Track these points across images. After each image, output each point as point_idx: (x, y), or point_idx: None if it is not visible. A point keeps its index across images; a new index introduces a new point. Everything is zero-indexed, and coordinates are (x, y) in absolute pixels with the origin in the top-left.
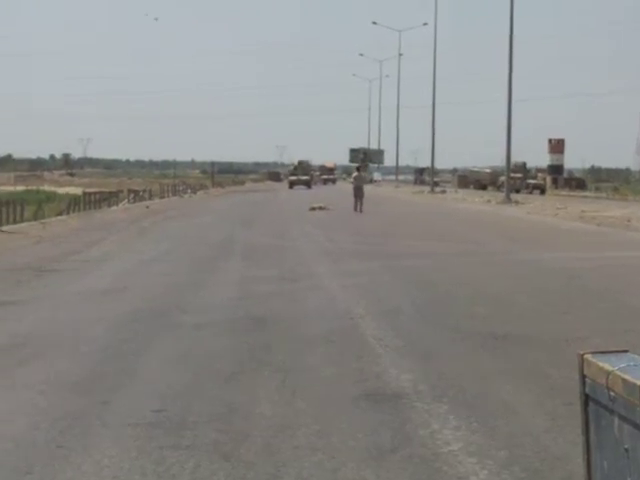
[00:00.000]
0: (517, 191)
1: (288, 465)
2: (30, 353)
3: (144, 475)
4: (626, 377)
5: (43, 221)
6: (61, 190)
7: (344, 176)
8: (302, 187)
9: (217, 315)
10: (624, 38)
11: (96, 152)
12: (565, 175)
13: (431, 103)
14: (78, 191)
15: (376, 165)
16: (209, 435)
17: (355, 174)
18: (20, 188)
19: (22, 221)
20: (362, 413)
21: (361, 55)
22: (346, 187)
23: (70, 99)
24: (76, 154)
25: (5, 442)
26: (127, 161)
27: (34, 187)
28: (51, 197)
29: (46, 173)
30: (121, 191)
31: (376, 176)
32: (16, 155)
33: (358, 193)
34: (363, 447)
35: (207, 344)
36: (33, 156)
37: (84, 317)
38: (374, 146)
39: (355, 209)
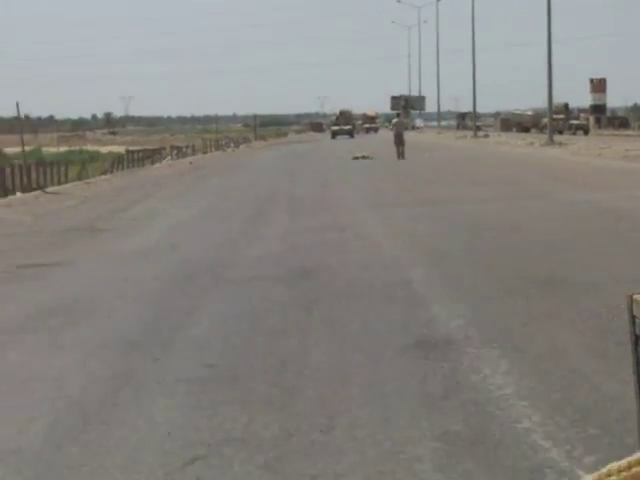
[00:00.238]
0: (560, 132)
1: (341, 415)
2: (83, 312)
3: (198, 430)
4: None
5: (87, 181)
6: (104, 149)
7: (386, 124)
8: (345, 137)
9: (265, 269)
10: None
11: (138, 110)
12: (608, 114)
13: (471, 47)
14: (121, 149)
15: (417, 111)
16: (261, 389)
17: (395, 120)
18: (63, 149)
19: (67, 182)
20: (413, 361)
21: (399, 2)
22: (388, 135)
23: (111, 57)
24: (118, 112)
25: (60, 402)
26: (169, 117)
27: (77, 147)
28: (94, 157)
29: (88, 133)
30: (164, 148)
31: (418, 122)
32: (58, 116)
33: (399, 140)
34: (415, 395)
35: (256, 298)
36: (75, 116)
37: (134, 275)
38: (415, 93)
39: (398, 157)
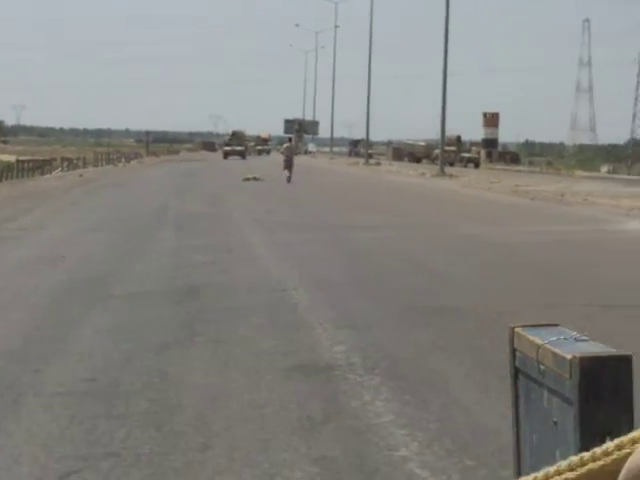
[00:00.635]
0: (451, 164)
1: (219, 435)
2: None
3: (74, 443)
4: (556, 350)
5: None
6: None
7: (278, 147)
8: (236, 157)
9: (151, 285)
10: (559, 14)
11: (30, 120)
12: (499, 149)
13: (367, 75)
14: (11, 159)
15: (311, 136)
16: (141, 405)
17: (286, 145)
18: None
19: None
20: (294, 384)
21: (297, 26)
22: (280, 158)
23: (3, 65)
24: (9, 121)
25: None
26: (61, 129)
27: None
28: None
29: None
30: (55, 159)
31: (310, 147)
32: None
33: (288, 164)
34: (295, 418)
35: (141, 314)
36: None
37: (19, 285)
38: (309, 117)
39: (288, 180)
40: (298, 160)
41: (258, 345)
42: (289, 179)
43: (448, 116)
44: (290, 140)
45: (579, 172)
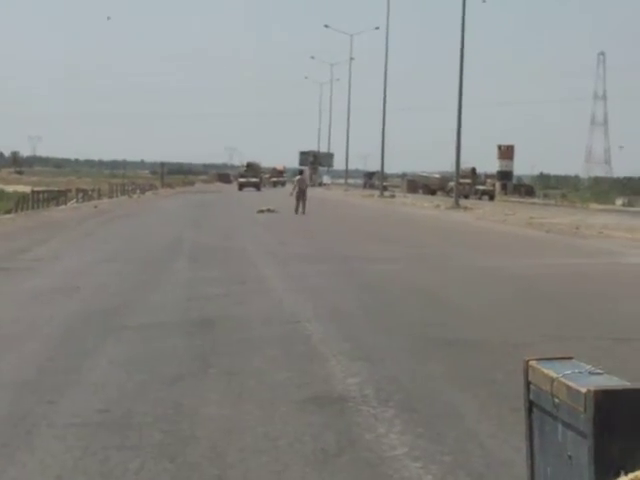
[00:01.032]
0: (466, 197)
1: (233, 467)
2: None
3: (88, 475)
4: (570, 384)
5: None
6: (9, 188)
7: (293, 179)
8: (251, 189)
9: (164, 317)
10: (574, 45)
11: (45, 151)
12: (514, 181)
13: (382, 107)
14: (27, 189)
15: (326, 168)
16: (154, 436)
17: (298, 177)
18: None
19: None
20: (308, 416)
21: (312, 58)
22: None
23: (20, 96)
24: (25, 152)
25: None
26: (76, 160)
27: None
28: None
29: None
30: (70, 190)
31: (325, 179)
32: None
33: (301, 195)
34: (309, 450)
35: (154, 345)
36: None
37: (33, 316)
38: (324, 149)
39: (296, 211)
40: (312, 192)
41: (272, 377)
42: (303, 211)
43: (463, 148)
44: (301, 172)
45: (594, 205)
